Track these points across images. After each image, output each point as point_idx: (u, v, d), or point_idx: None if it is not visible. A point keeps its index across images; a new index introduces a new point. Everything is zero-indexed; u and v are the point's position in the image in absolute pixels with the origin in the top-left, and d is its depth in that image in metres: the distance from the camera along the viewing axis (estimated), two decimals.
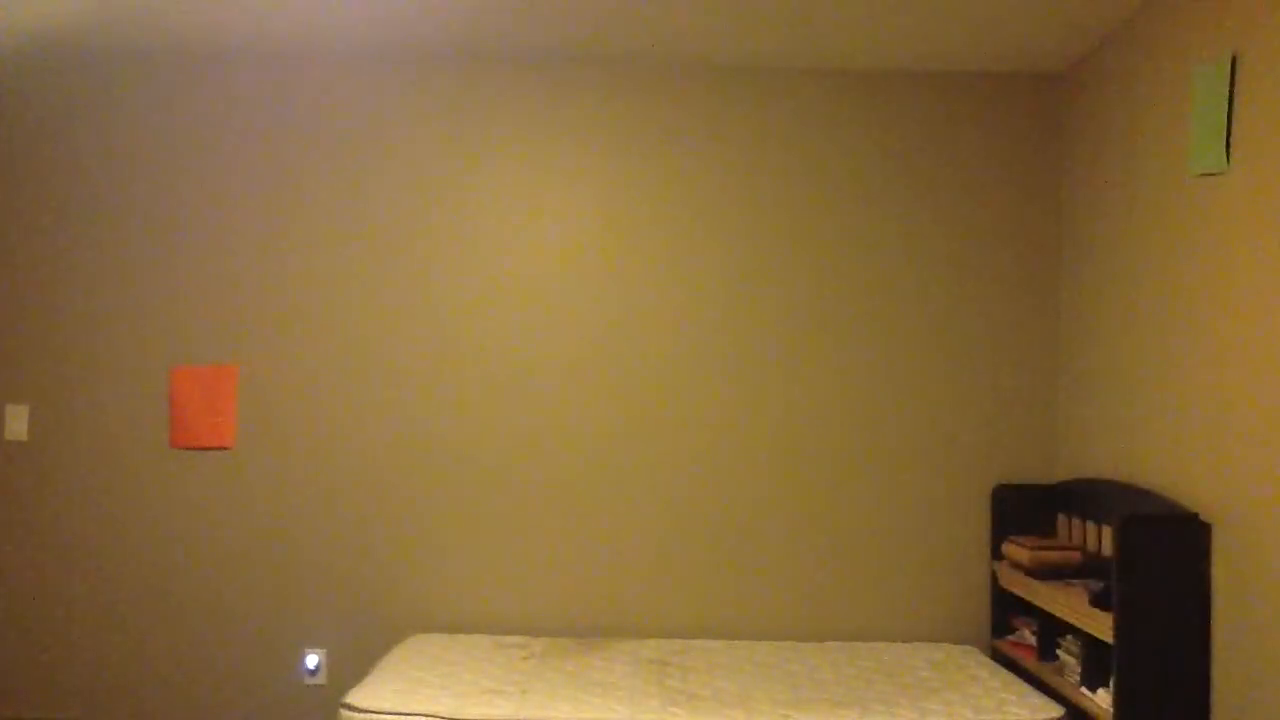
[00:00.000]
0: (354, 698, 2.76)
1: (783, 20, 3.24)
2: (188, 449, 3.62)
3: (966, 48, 3.45)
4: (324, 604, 3.59)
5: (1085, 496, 3.29)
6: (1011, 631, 3.47)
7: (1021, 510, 3.55)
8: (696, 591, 3.62)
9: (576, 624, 3.60)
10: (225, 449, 3.62)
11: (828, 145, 3.68)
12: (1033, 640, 3.26)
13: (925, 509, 3.63)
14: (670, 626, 3.60)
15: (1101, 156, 3.35)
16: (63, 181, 3.66)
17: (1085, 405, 3.42)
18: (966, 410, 3.65)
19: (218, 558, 3.60)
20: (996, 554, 3.54)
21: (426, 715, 2.67)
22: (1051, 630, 3.14)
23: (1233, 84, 2.58)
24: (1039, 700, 2.84)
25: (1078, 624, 2.85)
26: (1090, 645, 2.84)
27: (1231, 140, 2.59)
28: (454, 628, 3.59)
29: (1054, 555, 3.17)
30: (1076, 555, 3.18)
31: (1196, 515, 2.65)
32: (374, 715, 2.68)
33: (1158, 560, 2.61)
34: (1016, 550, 3.29)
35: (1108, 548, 3.05)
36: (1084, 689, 2.83)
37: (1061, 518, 3.47)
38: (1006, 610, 3.49)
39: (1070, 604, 2.89)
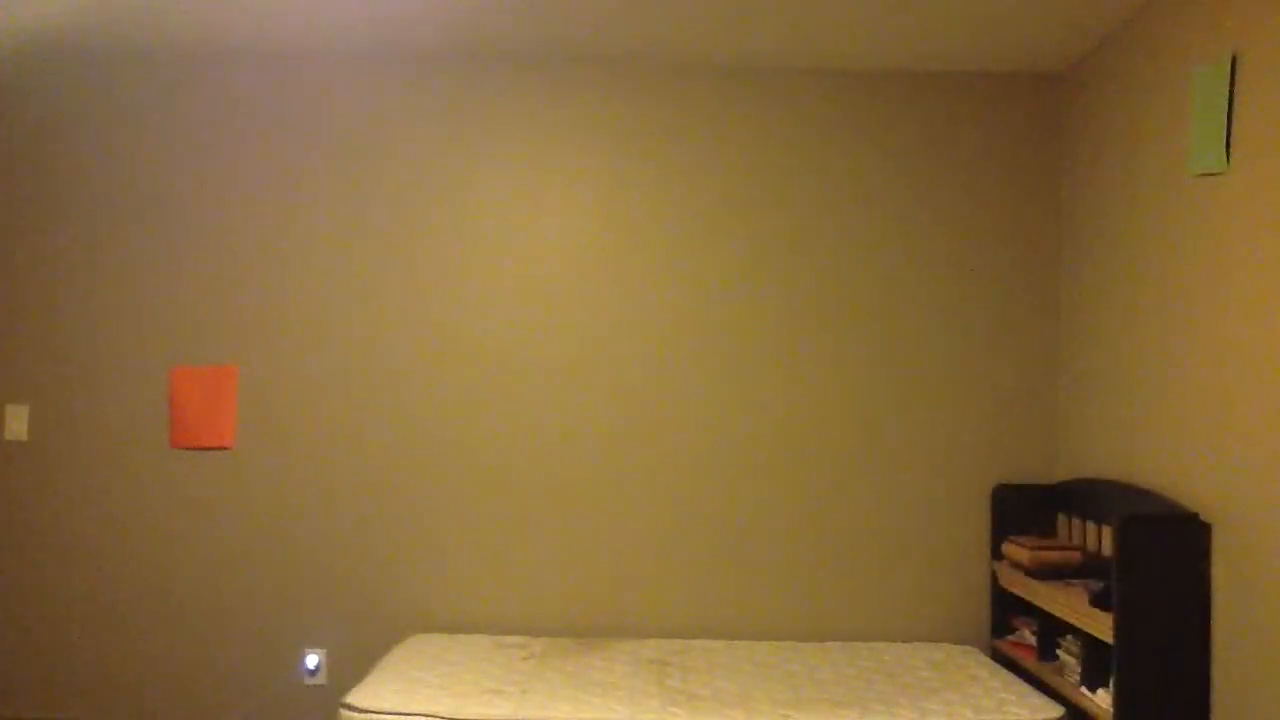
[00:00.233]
0: (354, 698, 2.76)
1: (783, 20, 3.24)
2: (188, 449, 3.62)
3: (966, 48, 3.45)
4: (324, 604, 3.59)
5: (1085, 496, 3.29)
6: (1011, 631, 3.47)
7: (1021, 510, 3.55)
8: (696, 591, 3.62)
9: (576, 624, 3.60)
10: (225, 449, 3.62)
11: (828, 145, 3.68)
12: (1033, 640, 3.26)
13: (925, 509, 3.63)
14: (670, 626, 3.61)
15: (1101, 156, 3.35)
16: (63, 181, 3.66)
17: (1085, 405, 3.42)
18: (966, 410, 3.65)
19: (218, 558, 3.60)
20: (996, 554, 3.54)
21: (426, 715, 2.67)
22: (1051, 630, 3.14)
23: (1233, 84, 2.58)
24: (1039, 700, 2.84)
25: (1078, 624, 2.85)
26: (1090, 645, 2.84)
27: (1231, 140, 2.59)
28: (454, 628, 3.59)
29: (1054, 555, 3.17)
30: (1076, 555, 3.18)
31: (1196, 515, 2.65)
32: (374, 715, 2.68)
33: (1158, 560, 2.61)
34: (1016, 550, 3.29)
35: (1108, 548, 3.05)
36: (1084, 689, 2.83)
37: (1061, 518, 3.47)
38: (1006, 610, 3.49)
39: (1070, 604, 2.89)
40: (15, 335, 3.63)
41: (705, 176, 3.67)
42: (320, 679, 3.56)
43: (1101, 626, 2.69)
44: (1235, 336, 2.55)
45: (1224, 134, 2.60)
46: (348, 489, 3.61)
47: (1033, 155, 3.69)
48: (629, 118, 3.68)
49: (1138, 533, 2.61)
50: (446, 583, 3.61)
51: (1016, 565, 3.30)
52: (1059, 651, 3.07)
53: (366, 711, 2.69)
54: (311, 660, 3.56)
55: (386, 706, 2.70)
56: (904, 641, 3.54)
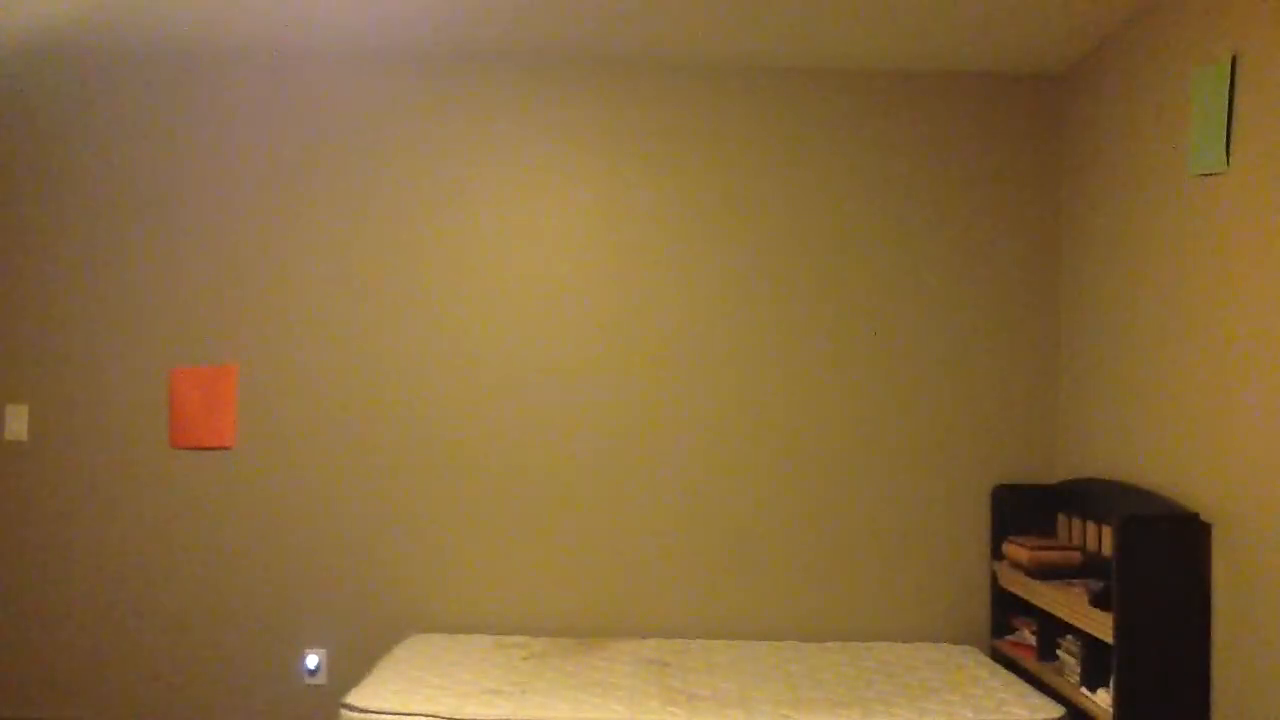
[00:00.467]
0: (354, 698, 2.76)
1: (783, 20, 3.23)
2: (188, 449, 3.62)
3: (966, 48, 3.45)
4: (324, 604, 3.59)
5: (1085, 496, 3.30)
6: (1011, 631, 3.47)
7: (1021, 510, 3.55)
8: (696, 591, 3.62)
9: (576, 624, 3.60)
10: (225, 449, 3.62)
11: (828, 145, 3.68)
12: (1033, 640, 3.26)
13: (925, 509, 3.63)
14: (670, 626, 3.60)
15: (1101, 156, 3.35)
16: (63, 181, 3.66)
17: (1085, 405, 3.42)
18: (966, 410, 3.65)
19: (218, 558, 3.60)
20: (996, 554, 3.54)
21: (426, 715, 2.67)
22: (1051, 630, 3.14)
23: (1233, 84, 2.58)
24: (1039, 700, 2.84)
25: (1078, 624, 2.85)
26: (1090, 645, 2.84)
27: (1231, 140, 2.59)
28: (454, 628, 3.59)
29: (1054, 555, 3.17)
30: (1076, 555, 3.18)
31: (1196, 515, 2.65)
32: (374, 715, 2.68)
33: (1158, 560, 2.61)
34: (1016, 550, 3.29)
35: (1108, 548, 3.04)
36: (1084, 689, 2.83)
37: (1061, 518, 3.47)
38: (1006, 610, 3.49)
39: (1070, 604, 2.89)
40: (15, 335, 3.63)
41: (705, 176, 3.67)
42: (320, 679, 3.56)
43: (1101, 626, 2.69)
44: (1235, 336, 2.55)
45: (1224, 134, 2.60)
46: (348, 489, 3.61)
47: (1033, 155, 3.69)
48: (629, 118, 3.68)
49: (1138, 533, 2.61)
50: (446, 583, 3.61)
51: (1016, 565, 3.30)
52: (1059, 651, 3.07)
53: (366, 711, 2.69)
54: (311, 660, 3.56)
55: (386, 706, 2.71)
56: (904, 641, 3.54)
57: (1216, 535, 2.60)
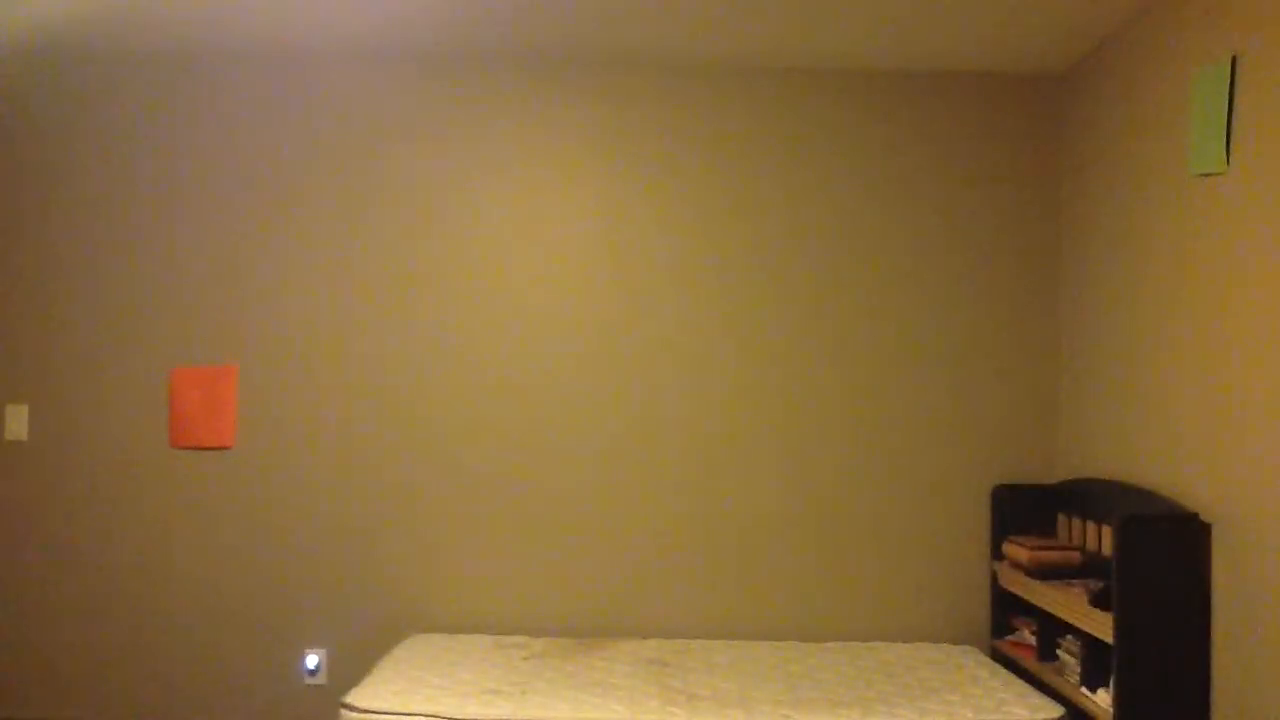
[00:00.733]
0: (354, 698, 2.76)
1: (783, 20, 3.23)
2: (188, 449, 3.62)
3: (966, 48, 3.45)
4: (324, 604, 3.59)
5: (1085, 496, 3.29)
6: (1011, 631, 3.47)
7: (1021, 510, 3.54)
8: (696, 591, 3.62)
9: (576, 624, 3.60)
10: (225, 449, 3.62)
11: (828, 145, 3.68)
12: (1033, 640, 3.26)
13: (925, 509, 3.63)
14: (670, 626, 3.60)
15: (1101, 156, 3.35)
16: (63, 181, 3.66)
17: (1085, 405, 3.42)
18: (966, 410, 3.65)
19: (218, 558, 3.60)
20: (996, 554, 3.54)
21: (426, 715, 2.67)
22: (1051, 630, 3.14)
23: (1233, 84, 2.58)
24: (1039, 700, 2.84)
25: (1078, 624, 2.85)
26: (1090, 645, 2.84)
27: (1231, 140, 2.59)
28: (454, 628, 3.59)
29: (1054, 555, 3.17)
30: (1076, 555, 3.18)
31: (1196, 515, 2.65)
32: (374, 715, 2.68)
33: (1158, 560, 2.61)
34: (1016, 550, 3.29)
35: (1108, 548, 3.05)
36: (1084, 689, 2.83)
37: (1061, 518, 3.47)
38: (1006, 610, 3.49)
39: (1070, 604, 2.89)
40: (15, 335, 3.63)
41: (705, 176, 3.67)
42: (320, 679, 3.56)
43: (1101, 626, 2.69)
44: (1235, 336, 2.55)
45: (1224, 134, 2.60)
46: (348, 489, 3.61)
47: (1033, 155, 3.69)
48: (629, 118, 3.68)
49: (1138, 533, 2.61)
50: (446, 583, 3.61)
51: (1016, 565, 3.30)
52: (1059, 651, 3.07)
53: (366, 711, 2.69)
54: (311, 660, 3.56)
55: (386, 706, 2.71)
56: (904, 641, 3.54)
57: (1216, 535, 2.60)
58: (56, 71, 3.67)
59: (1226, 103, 2.59)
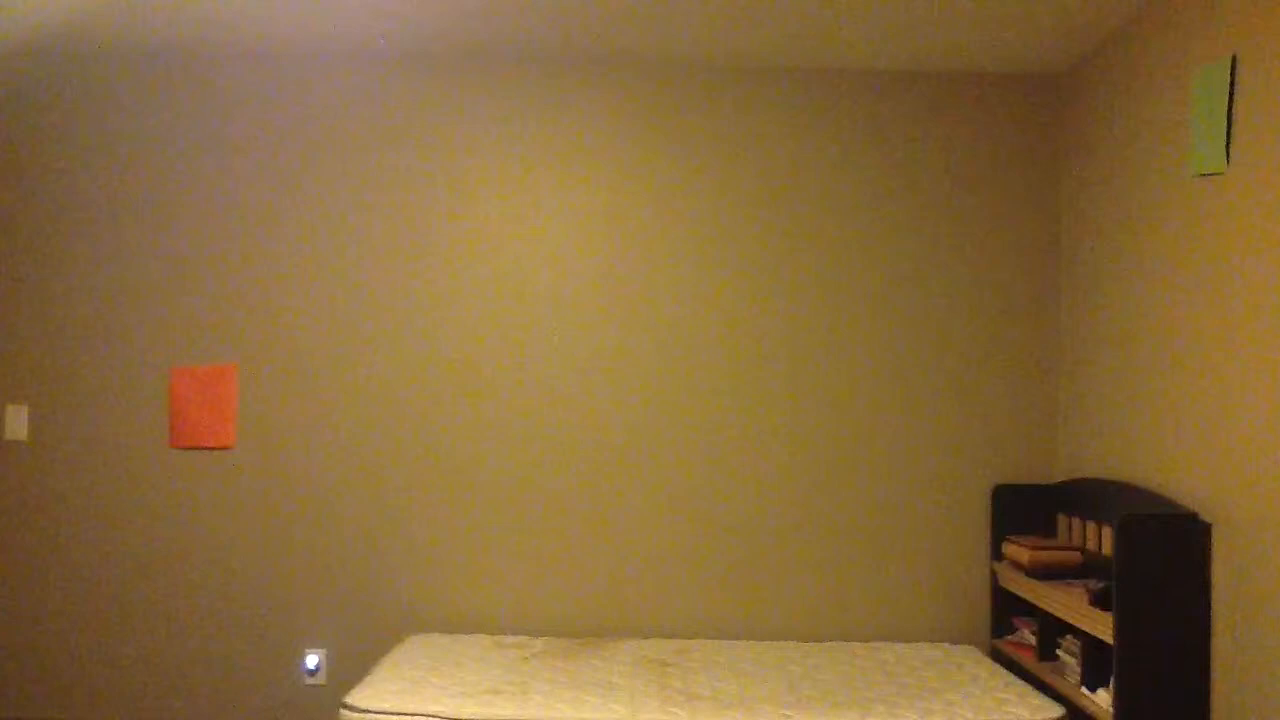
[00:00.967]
0: (354, 698, 2.76)
1: (783, 20, 3.24)
2: (188, 449, 3.62)
3: (966, 48, 3.45)
4: (324, 604, 3.59)
5: (1085, 496, 3.30)
6: (1011, 631, 3.47)
7: (1021, 510, 3.55)
8: (696, 591, 3.62)
9: (576, 624, 3.60)
10: (225, 449, 3.62)
11: (828, 145, 3.68)
12: (1033, 640, 3.26)
13: (925, 509, 3.63)
14: (670, 626, 3.61)
15: (1101, 156, 3.35)
16: (62, 181, 3.66)
17: (1085, 405, 3.42)
18: (966, 410, 3.65)
19: (218, 558, 3.60)
20: (996, 554, 3.54)
21: (426, 715, 2.67)
22: (1051, 630, 3.14)
23: (1233, 84, 2.58)
24: (1039, 700, 2.84)
25: (1078, 624, 2.85)
26: (1090, 645, 2.84)
27: (1231, 140, 2.59)
28: (454, 628, 3.59)
29: (1054, 555, 3.17)
30: (1076, 555, 3.18)
31: (1196, 515, 2.65)
32: (374, 715, 2.68)
33: (1158, 560, 2.61)
34: (1016, 550, 3.29)
35: (1108, 548, 3.05)
36: (1084, 689, 2.83)
37: (1061, 518, 3.47)
38: (1006, 610, 3.49)
39: (1070, 604, 2.89)
40: (15, 335, 3.63)
41: (705, 177, 3.68)
42: (320, 679, 3.56)
43: (1101, 626, 2.69)
44: (1234, 337, 2.55)
45: (1224, 134, 2.60)
46: (347, 489, 3.61)
47: (1033, 155, 3.69)
48: (629, 117, 3.68)
49: (1138, 533, 2.61)
50: (446, 583, 3.61)
51: (1016, 565, 3.30)
52: (1059, 651, 3.07)
53: (366, 711, 2.69)
54: (311, 660, 3.56)
55: (386, 706, 2.71)
56: (904, 641, 3.54)
57: (1216, 535, 2.60)
58: (56, 71, 3.67)
59: (1226, 103, 2.59)
